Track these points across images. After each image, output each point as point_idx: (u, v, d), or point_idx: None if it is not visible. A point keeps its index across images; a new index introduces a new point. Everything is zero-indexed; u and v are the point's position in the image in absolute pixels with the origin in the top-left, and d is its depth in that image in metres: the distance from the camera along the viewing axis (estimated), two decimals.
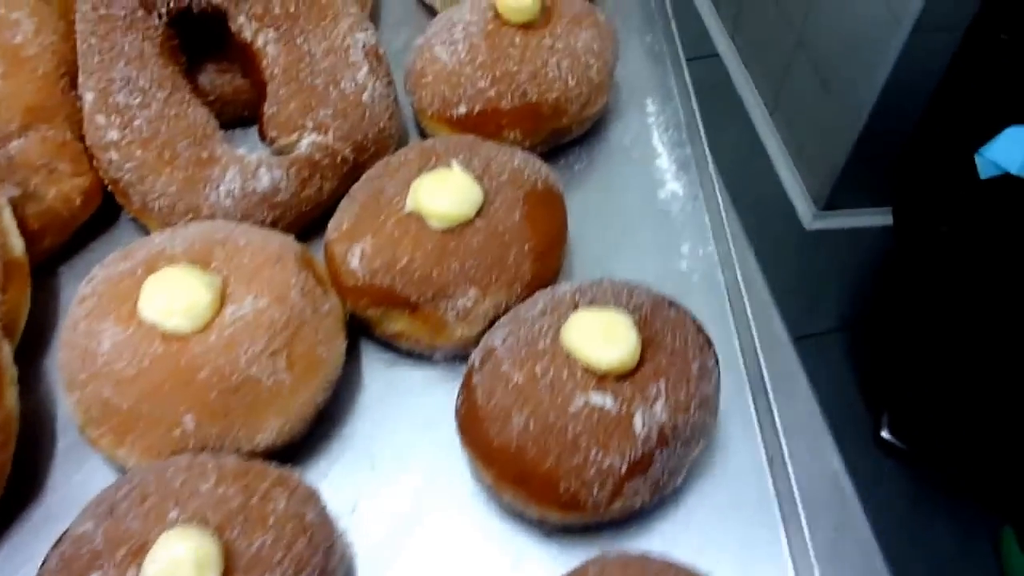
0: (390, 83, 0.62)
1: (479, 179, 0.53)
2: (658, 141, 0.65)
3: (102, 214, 0.60)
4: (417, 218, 0.51)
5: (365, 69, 0.60)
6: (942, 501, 1.43)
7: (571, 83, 0.59)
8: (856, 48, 1.52)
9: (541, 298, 0.50)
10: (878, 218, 1.71)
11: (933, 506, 1.43)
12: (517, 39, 0.60)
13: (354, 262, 0.52)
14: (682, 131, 0.65)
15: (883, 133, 1.53)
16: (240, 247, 0.50)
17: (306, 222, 0.59)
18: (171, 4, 0.60)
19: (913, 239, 1.35)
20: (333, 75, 0.59)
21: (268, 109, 0.59)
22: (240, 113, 0.65)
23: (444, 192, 0.51)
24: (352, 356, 0.55)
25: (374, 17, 0.73)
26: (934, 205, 1.27)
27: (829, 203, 1.74)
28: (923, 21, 1.33)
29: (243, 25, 0.60)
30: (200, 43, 0.63)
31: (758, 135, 1.99)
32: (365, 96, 0.59)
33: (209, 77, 0.64)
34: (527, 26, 0.60)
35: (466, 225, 0.51)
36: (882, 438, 1.51)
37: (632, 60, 0.69)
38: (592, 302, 0.49)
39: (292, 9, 0.60)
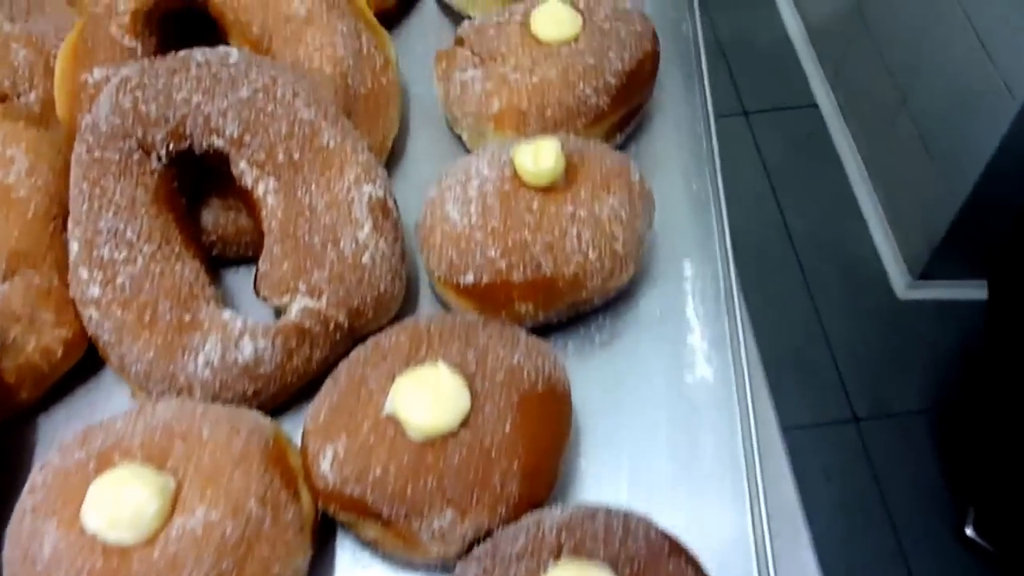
0: (397, 239, 0.57)
1: (470, 379, 0.47)
2: (692, 313, 0.58)
3: (87, 359, 0.57)
4: (396, 423, 0.46)
5: (368, 226, 0.55)
6: None
7: (591, 256, 0.53)
8: (964, 113, 1.43)
9: (524, 529, 0.44)
10: (975, 291, 1.59)
11: None
12: (535, 204, 0.54)
13: (324, 465, 0.47)
14: (720, 303, 0.58)
15: (988, 205, 1.45)
16: (202, 442, 0.46)
17: (292, 392, 0.55)
18: (171, 146, 0.56)
19: (1007, 318, 1.25)
20: (333, 232, 0.54)
21: (262, 266, 0.55)
22: (244, 253, 0.61)
23: (426, 398, 0.46)
24: (326, 552, 0.50)
25: (400, 146, 0.68)
26: None
27: (925, 272, 1.64)
28: None
29: (244, 171, 0.56)
30: (205, 178, 0.60)
31: (852, 190, 1.88)
32: (365, 257, 0.54)
33: (213, 214, 0.60)
34: (548, 189, 0.54)
35: (448, 437, 0.46)
36: (966, 536, 1.39)
37: (674, 212, 0.63)
38: (579, 547, 0.43)
39: (296, 156, 0.55)
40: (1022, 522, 1.35)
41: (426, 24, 0.75)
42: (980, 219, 1.48)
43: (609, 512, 0.45)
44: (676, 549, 0.44)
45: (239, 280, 0.62)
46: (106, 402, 0.57)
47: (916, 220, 1.64)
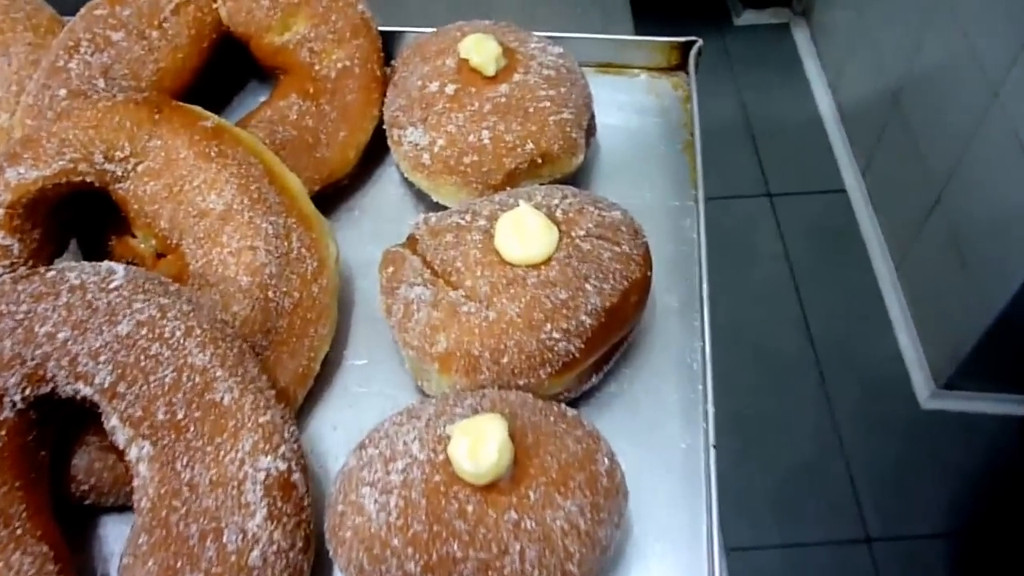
0: (301, 523, 0.45)
1: None
2: None
3: None
4: None
5: (262, 514, 0.43)
6: None
7: None
8: (1001, 226, 1.34)
9: None
10: (1004, 405, 1.54)
11: None
12: (470, 507, 0.42)
13: None
14: None
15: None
16: None
17: None
18: (27, 391, 0.45)
19: None
20: (216, 520, 0.43)
21: (124, 558, 0.44)
22: (124, 502, 0.50)
23: None
24: None
25: (338, 352, 0.56)
26: None
27: (950, 382, 1.55)
28: None
29: (116, 428, 0.45)
30: (78, 415, 0.49)
31: (879, 287, 1.77)
32: (254, 555, 0.43)
33: (88, 457, 0.49)
34: (489, 487, 0.43)
35: None
36: None
37: (661, 478, 0.51)
38: None
39: (180, 415, 0.44)
40: None
41: (386, 193, 0.64)
42: (1015, 332, 1.38)
43: None
44: None
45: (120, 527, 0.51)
46: None
47: (944, 326, 1.56)
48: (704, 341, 0.54)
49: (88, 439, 0.50)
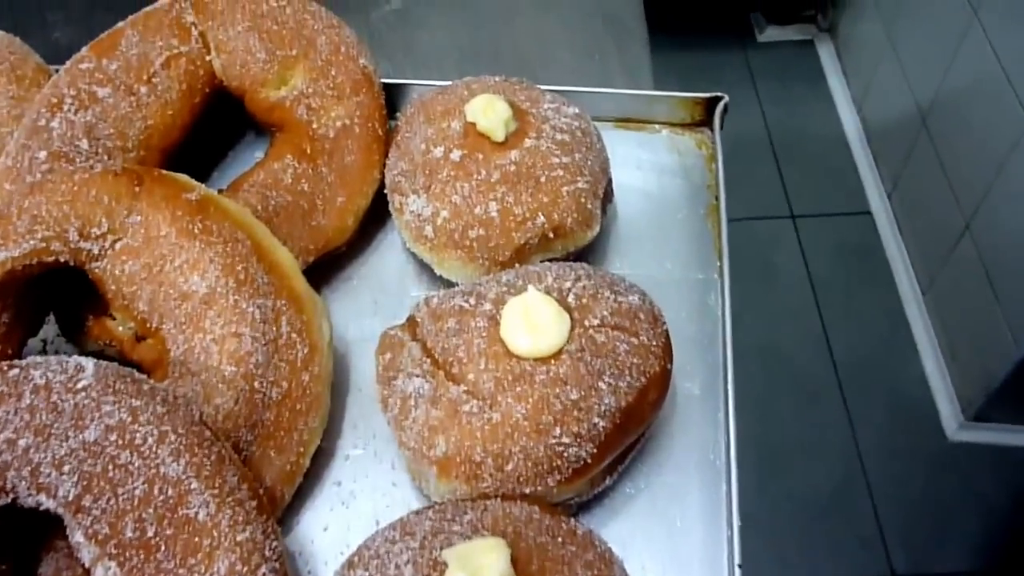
0: None
1: None
2: None
3: None
4: None
5: None
6: None
7: None
8: None
9: None
10: None
11: None
12: None
13: None
14: None
15: None
16: None
17: None
18: None
19: None
20: None
21: None
22: None
23: None
24: None
25: (328, 449, 0.52)
26: None
27: (979, 414, 1.51)
28: None
29: (81, 545, 0.41)
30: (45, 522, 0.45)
31: (904, 313, 1.73)
32: None
33: (54, 565, 0.45)
34: None
35: None
36: None
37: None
38: None
39: (150, 534, 0.40)
40: None
41: (386, 261, 0.60)
42: None
43: None
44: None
45: None
46: None
47: (974, 356, 1.52)
48: (728, 436, 0.50)
49: (57, 544, 0.46)
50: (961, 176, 1.50)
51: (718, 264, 0.57)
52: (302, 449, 0.49)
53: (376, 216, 0.59)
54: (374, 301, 0.57)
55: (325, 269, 0.58)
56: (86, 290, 0.51)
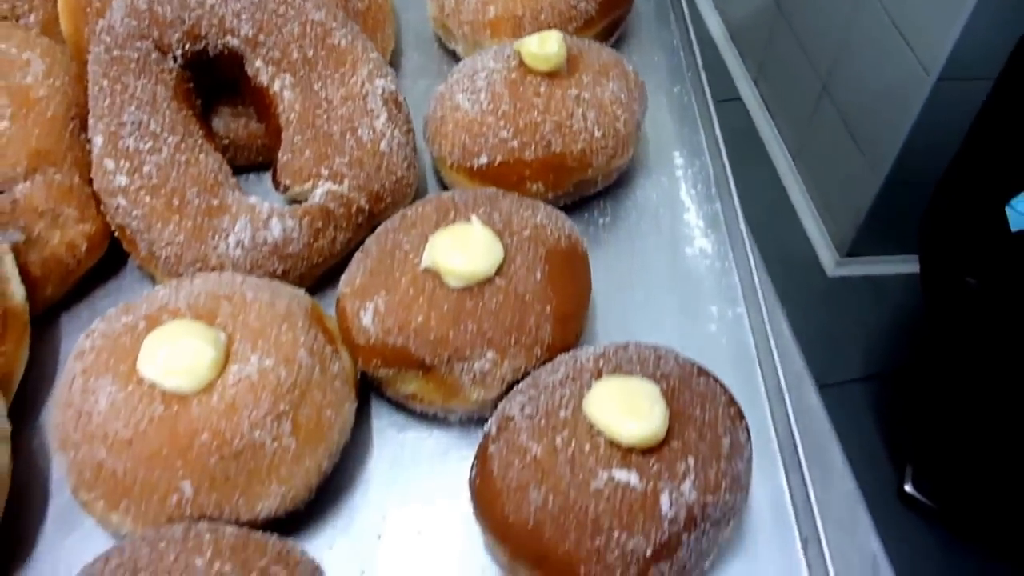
0: (409, 131, 0.59)
1: (499, 235, 0.50)
2: (686, 195, 0.63)
3: (108, 262, 0.58)
4: (433, 275, 0.49)
5: (384, 117, 0.58)
6: (971, 561, 1.38)
7: (597, 134, 0.57)
8: (883, 96, 1.48)
9: (562, 363, 0.47)
10: (903, 266, 1.69)
11: (959, 568, 1.38)
12: (542, 88, 0.57)
13: (366, 320, 0.49)
14: (711, 186, 0.63)
15: (908, 182, 1.50)
16: (247, 302, 0.48)
17: (318, 274, 0.57)
18: (187, 47, 0.58)
19: (939, 290, 1.31)
20: (350, 123, 0.57)
21: (282, 156, 0.57)
22: (254, 159, 0.63)
23: (463, 248, 0.48)
24: (362, 418, 0.52)
25: (394, 64, 0.71)
26: (962, 257, 1.23)
27: (852, 250, 1.71)
28: (951, 70, 1.30)
29: (259, 69, 0.59)
30: (215, 86, 0.62)
31: (780, 181, 1.96)
32: (383, 145, 0.57)
33: (223, 121, 0.62)
34: (552, 75, 0.58)
35: (485, 284, 0.48)
36: (906, 492, 1.46)
37: (659, 112, 0.67)
38: (616, 369, 0.46)
39: (310, 54, 0.58)
40: (957, 477, 1.42)
41: None
42: (902, 197, 1.54)
43: (639, 344, 0.48)
44: (703, 370, 0.48)
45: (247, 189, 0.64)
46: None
47: (842, 201, 1.71)
48: None
49: (221, 109, 0.63)
50: (816, 48, 1.69)
51: None
52: (384, 47, 0.67)
53: None
54: None
55: None
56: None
